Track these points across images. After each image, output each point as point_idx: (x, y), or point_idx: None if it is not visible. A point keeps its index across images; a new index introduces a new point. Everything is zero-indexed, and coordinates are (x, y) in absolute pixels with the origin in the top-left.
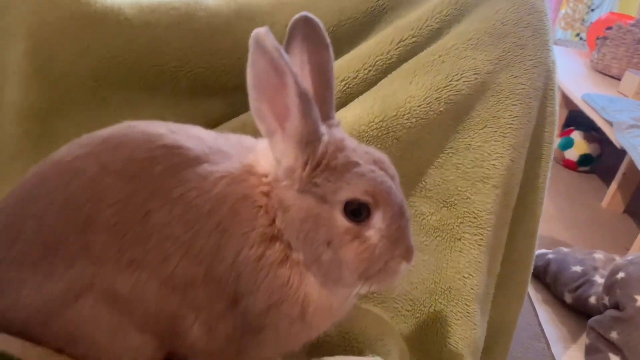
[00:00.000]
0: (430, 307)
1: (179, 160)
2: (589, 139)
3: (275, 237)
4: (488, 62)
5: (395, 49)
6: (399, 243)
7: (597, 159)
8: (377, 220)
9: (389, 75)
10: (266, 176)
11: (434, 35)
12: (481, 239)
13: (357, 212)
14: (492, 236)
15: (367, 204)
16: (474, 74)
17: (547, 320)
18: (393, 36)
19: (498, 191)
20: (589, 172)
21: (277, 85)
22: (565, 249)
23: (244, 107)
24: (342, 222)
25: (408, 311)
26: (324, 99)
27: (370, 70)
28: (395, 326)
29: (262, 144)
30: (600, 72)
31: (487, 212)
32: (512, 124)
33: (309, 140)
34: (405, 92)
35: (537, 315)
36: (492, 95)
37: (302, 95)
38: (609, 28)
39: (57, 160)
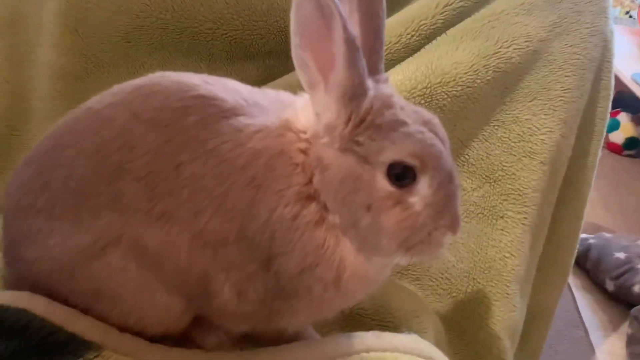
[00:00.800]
0: (467, 286)
1: (214, 111)
2: (636, 121)
3: (311, 197)
4: (541, 29)
5: (441, 14)
6: (444, 212)
7: None
8: (423, 186)
9: (433, 41)
10: (305, 132)
11: None
12: (525, 218)
13: (401, 175)
14: (536, 215)
15: (412, 168)
16: (526, 41)
17: (586, 307)
18: (438, 0)
19: (545, 168)
20: (634, 157)
21: (323, 31)
22: (607, 235)
23: (279, 71)
24: (384, 185)
25: (444, 290)
26: (372, 51)
27: (413, 36)
28: (430, 305)
29: (301, 100)
30: None
31: (532, 190)
32: (563, 96)
33: (354, 94)
34: (451, 58)
35: (575, 302)
36: (544, 65)
37: (349, 42)
38: None
39: (87, 108)
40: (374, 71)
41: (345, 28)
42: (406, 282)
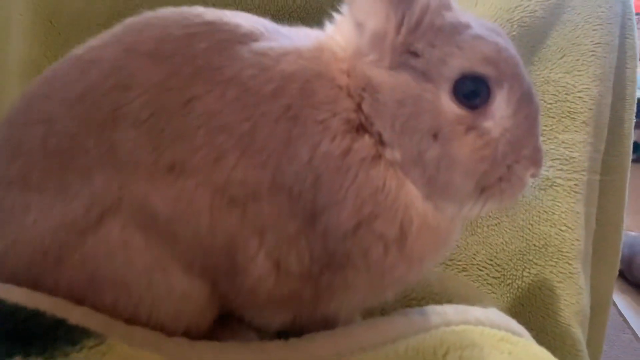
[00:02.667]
0: (523, 270)
1: (227, 37)
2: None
3: (363, 127)
4: None
5: None
6: (527, 140)
7: None
8: (500, 105)
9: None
10: (344, 51)
11: None
12: (576, 185)
13: (472, 93)
14: (586, 183)
15: (486, 81)
16: None
17: (628, 308)
18: None
19: (589, 129)
20: (636, 161)
21: None
22: (632, 233)
23: None
24: (451, 107)
25: (496, 278)
26: None
27: None
28: None
29: (331, 28)
30: None
31: (579, 153)
32: (595, 51)
33: None
34: (472, 13)
35: (615, 305)
36: (569, 20)
37: None
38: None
39: (69, 57)
40: None
41: None
42: (452, 274)
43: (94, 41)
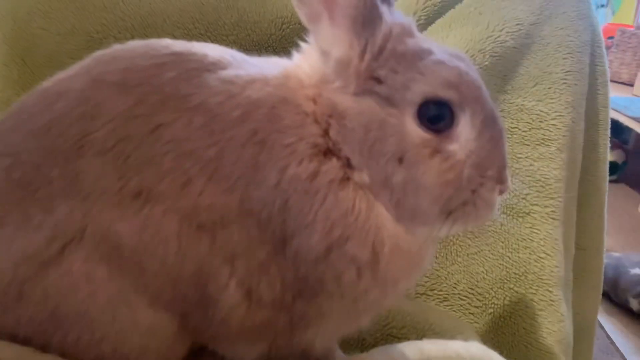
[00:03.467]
0: (504, 298)
1: (195, 66)
2: (611, 146)
3: (330, 151)
4: (530, 12)
5: (423, 10)
6: (491, 161)
7: (622, 166)
8: (464, 128)
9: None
10: (310, 78)
11: None
12: (553, 212)
13: (436, 117)
14: (563, 208)
15: (449, 104)
16: (517, 24)
17: (615, 331)
18: None
19: (563, 155)
20: (616, 182)
21: None
22: (615, 254)
23: None
24: (416, 131)
25: (477, 307)
26: None
27: None
28: None
29: (297, 55)
30: (611, 81)
31: (555, 180)
32: (566, 79)
33: (367, 18)
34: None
35: (602, 327)
36: (539, 50)
37: None
38: (611, 37)
39: (36, 90)
40: (385, 1)
41: None
42: (432, 304)
43: (62, 74)
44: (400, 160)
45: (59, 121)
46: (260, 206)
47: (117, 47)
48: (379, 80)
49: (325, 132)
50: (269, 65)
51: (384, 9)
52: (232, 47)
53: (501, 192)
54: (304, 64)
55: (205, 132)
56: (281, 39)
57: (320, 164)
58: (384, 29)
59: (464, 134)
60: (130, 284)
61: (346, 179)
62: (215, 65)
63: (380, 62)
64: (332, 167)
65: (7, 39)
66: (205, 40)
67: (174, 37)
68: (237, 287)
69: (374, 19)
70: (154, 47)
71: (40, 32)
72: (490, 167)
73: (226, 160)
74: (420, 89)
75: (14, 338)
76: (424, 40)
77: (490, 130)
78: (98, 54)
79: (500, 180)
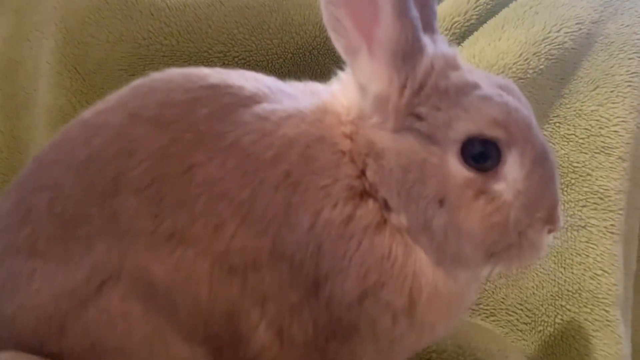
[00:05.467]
0: (555, 316)
1: (230, 101)
2: None
3: (366, 193)
4: (592, 10)
5: (474, 9)
6: (541, 202)
7: None
8: (512, 167)
9: (470, 37)
10: (347, 114)
11: None
12: (612, 225)
13: (481, 155)
14: (624, 222)
15: (495, 143)
16: (577, 23)
17: None
18: None
19: (626, 164)
20: None
21: None
22: None
23: None
24: (459, 170)
25: (526, 324)
26: (424, 4)
27: (446, 35)
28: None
29: (336, 84)
30: None
31: (615, 191)
32: (631, 81)
33: (408, 52)
34: (495, 49)
35: None
36: (602, 50)
37: None
38: None
39: (77, 121)
40: (428, 29)
41: None
42: (478, 319)
43: (101, 104)
44: (442, 202)
45: (97, 157)
46: (293, 250)
47: (154, 77)
48: (419, 117)
49: (362, 173)
50: (305, 97)
51: (425, 40)
52: (277, 51)
53: (551, 232)
54: (341, 96)
55: (239, 173)
56: (326, 42)
57: (355, 207)
58: (425, 63)
59: (512, 173)
60: (165, 322)
61: (383, 223)
62: (251, 99)
63: (421, 98)
64: (368, 210)
65: (60, 48)
66: (249, 45)
67: (219, 42)
68: (267, 327)
69: (415, 53)
70: (190, 78)
71: (90, 40)
72: (540, 209)
73: (259, 203)
74: (464, 128)
75: None
76: (470, 71)
77: (541, 169)
78: (136, 84)
79: (551, 220)
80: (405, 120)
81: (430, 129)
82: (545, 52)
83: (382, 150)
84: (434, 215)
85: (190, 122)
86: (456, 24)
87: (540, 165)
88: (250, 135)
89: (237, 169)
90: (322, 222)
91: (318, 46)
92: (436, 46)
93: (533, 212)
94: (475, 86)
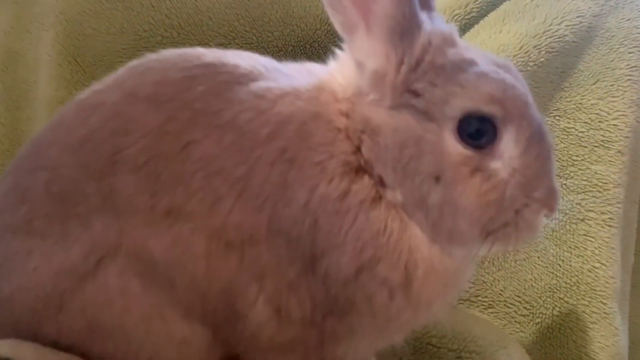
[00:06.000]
0: (553, 308)
1: (226, 79)
2: None
3: (362, 169)
4: (592, 3)
5: (475, 1)
6: (538, 181)
7: None
8: (508, 145)
9: (469, 30)
10: (344, 91)
11: None
12: (610, 219)
13: (477, 132)
14: (622, 215)
15: (492, 119)
16: (578, 16)
17: None
18: None
19: (625, 158)
20: None
21: None
22: None
23: None
24: (455, 147)
25: (524, 316)
26: None
27: None
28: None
29: (333, 63)
30: None
31: (614, 184)
32: (631, 75)
33: (405, 28)
34: (495, 42)
35: None
36: (602, 43)
37: None
38: None
39: (74, 102)
40: (425, 6)
41: None
42: (476, 311)
43: (98, 85)
44: (438, 179)
45: (93, 136)
46: (290, 225)
47: (150, 58)
48: (416, 94)
49: (357, 149)
50: (301, 75)
51: (423, 17)
52: (277, 44)
53: (547, 216)
54: (338, 74)
55: (235, 150)
56: (327, 34)
57: (351, 182)
58: (422, 40)
59: (508, 150)
60: (163, 299)
61: (378, 198)
62: (247, 77)
63: (418, 75)
64: (364, 186)
65: (60, 40)
66: (250, 37)
67: (220, 34)
68: (265, 304)
69: (412, 29)
70: (185, 57)
71: (91, 32)
72: (537, 188)
73: (255, 179)
74: (460, 104)
75: (55, 346)
76: (467, 49)
77: (537, 147)
78: (132, 64)
79: (548, 203)
80: (401, 96)
81: (426, 106)
82: (545, 45)
83: (378, 127)
84: (429, 191)
85: (186, 100)
86: (457, 16)
87: (537, 143)
88: (246, 112)
89: (234, 146)
90: (317, 197)
91: (319, 39)
92: (433, 23)
93: (529, 191)
94: (472, 63)
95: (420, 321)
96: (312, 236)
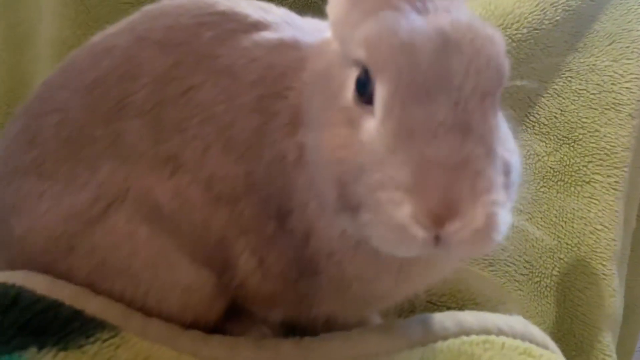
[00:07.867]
0: (553, 268)
1: (233, 27)
2: None
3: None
4: None
5: None
6: (400, 160)
7: None
8: (378, 102)
9: None
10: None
11: None
12: (616, 182)
13: (361, 84)
14: (627, 179)
15: (366, 68)
16: None
17: None
18: None
19: (635, 122)
20: None
21: None
22: None
23: None
24: (349, 95)
25: (524, 275)
26: None
27: None
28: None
29: None
30: None
31: (622, 148)
32: None
33: None
34: None
35: None
36: (620, 3)
37: None
38: None
39: (86, 44)
40: None
41: None
42: (476, 269)
43: (111, 29)
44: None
45: (103, 80)
46: (260, 181)
47: (166, 2)
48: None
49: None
50: (315, 31)
51: None
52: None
53: (426, 229)
54: None
55: (225, 96)
56: None
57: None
58: None
59: (377, 109)
60: (170, 243)
61: None
62: (254, 27)
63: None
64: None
65: None
66: None
67: None
68: (250, 256)
69: None
70: (200, 4)
71: None
72: (402, 169)
73: (236, 127)
74: (349, 49)
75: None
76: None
77: (408, 113)
78: (146, 8)
79: (421, 200)
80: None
81: (347, 47)
82: (562, 3)
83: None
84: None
85: (194, 45)
86: None
87: (407, 107)
88: (242, 59)
89: (225, 91)
90: (279, 157)
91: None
92: None
93: (387, 167)
94: (392, 5)
95: (400, 293)
96: (279, 195)
